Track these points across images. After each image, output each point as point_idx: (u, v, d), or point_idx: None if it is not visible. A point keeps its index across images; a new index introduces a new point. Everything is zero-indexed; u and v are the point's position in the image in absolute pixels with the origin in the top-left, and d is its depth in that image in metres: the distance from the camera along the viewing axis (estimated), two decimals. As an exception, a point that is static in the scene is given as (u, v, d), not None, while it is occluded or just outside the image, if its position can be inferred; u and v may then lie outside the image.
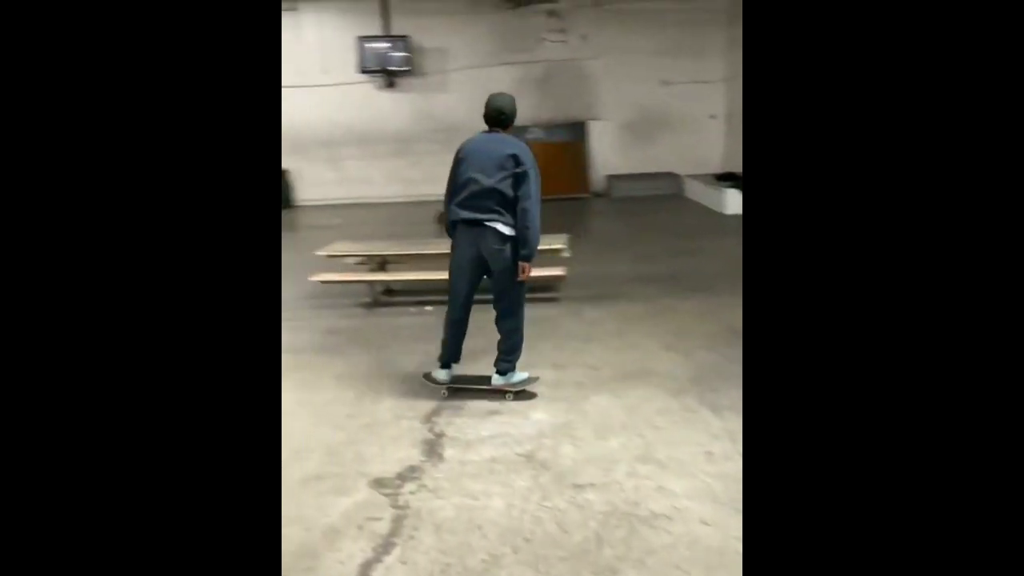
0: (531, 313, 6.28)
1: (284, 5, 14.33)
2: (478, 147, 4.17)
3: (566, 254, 6.76)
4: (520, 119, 14.32)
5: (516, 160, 4.09)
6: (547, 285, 6.97)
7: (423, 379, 4.75)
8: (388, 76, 14.60)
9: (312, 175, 15.00)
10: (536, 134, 14.51)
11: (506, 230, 4.11)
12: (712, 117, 14.45)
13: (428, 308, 6.64)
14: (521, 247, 4.12)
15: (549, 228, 8.95)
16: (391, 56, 14.42)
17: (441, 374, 4.62)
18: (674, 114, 14.58)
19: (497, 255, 4.15)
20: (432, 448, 3.98)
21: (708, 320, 5.85)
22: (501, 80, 14.72)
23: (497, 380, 4.51)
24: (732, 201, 10.70)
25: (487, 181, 4.06)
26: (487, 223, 4.09)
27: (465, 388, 4.69)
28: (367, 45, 14.35)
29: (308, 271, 7.07)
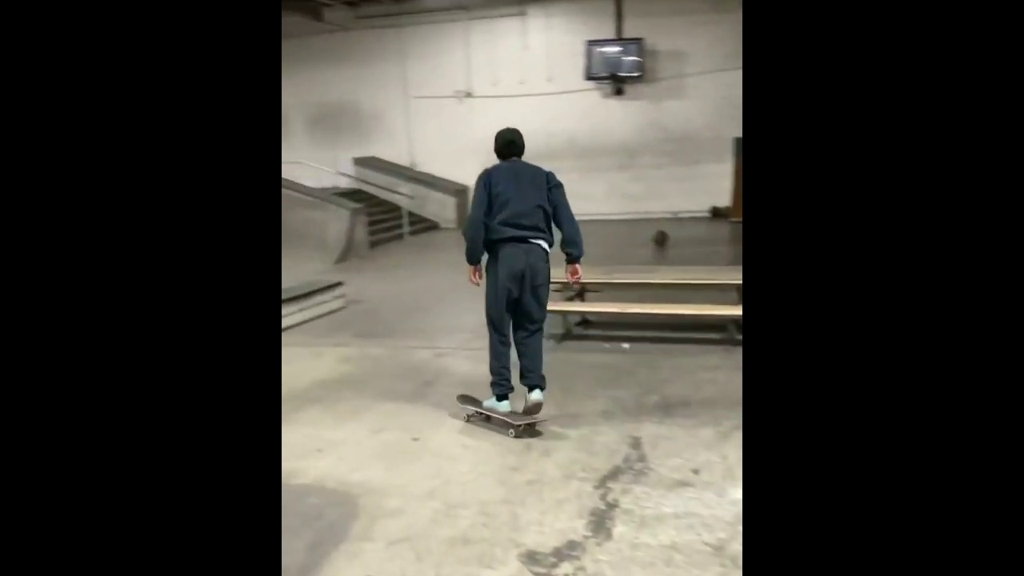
0: (693, 361, 5.53)
1: (512, 10, 14.58)
2: (511, 173, 4.38)
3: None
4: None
5: (548, 178, 4.43)
6: (716, 323, 6.17)
7: (466, 407, 4.72)
8: (616, 82, 14.27)
9: (529, 188, 15.07)
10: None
11: (547, 247, 4.39)
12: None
13: (625, 346, 6.12)
14: (572, 248, 4.46)
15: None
16: (622, 61, 14.08)
17: (503, 406, 4.52)
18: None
19: (542, 270, 4.37)
20: (601, 521, 3.48)
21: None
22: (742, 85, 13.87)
23: (537, 396, 4.41)
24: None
25: (531, 201, 4.30)
26: (532, 240, 4.31)
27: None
28: (597, 49, 14.16)
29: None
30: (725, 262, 10.13)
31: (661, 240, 11.09)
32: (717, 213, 13.84)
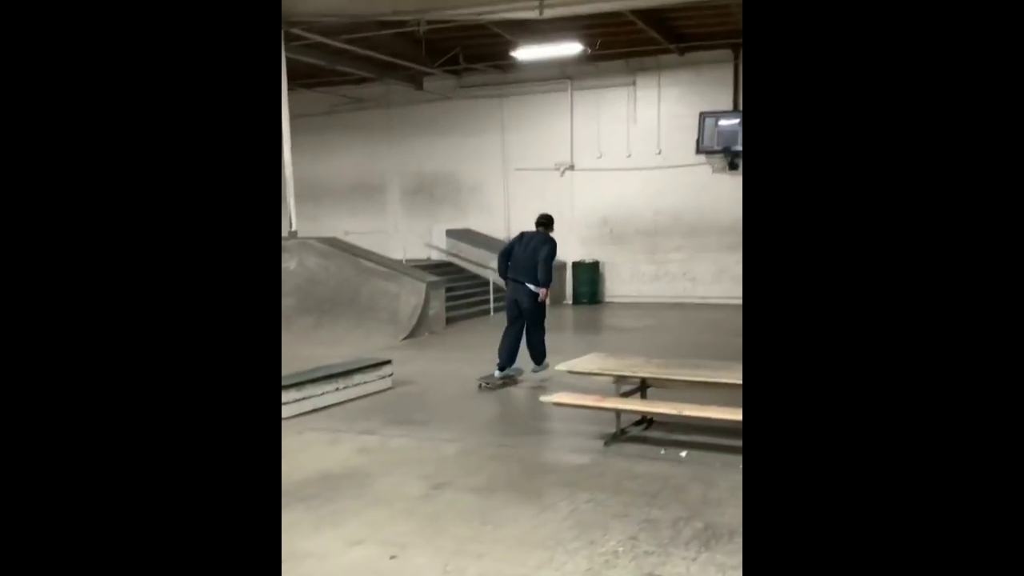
0: (674, 471, 4.74)
1: (621, 80, 14.32)
2: (525, 240, 7.87)
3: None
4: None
5: (539, 243, 7.70)
6: (730, 428, 5.26)
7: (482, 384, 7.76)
8: (730, 156, 13.64)
9: (628, 268, 14.42)
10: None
11: (531, 286, 7.60)
12: None
13: (683, 453, 5.35)
14: (538, 279, 7.60)
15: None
16: (737, 134, 13.49)
17: (496, 374, 7.77)
18: None
19: (526, 299, 7.68)
20: None
21: None
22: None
23: (535, 368, 7.85)
24: None
25: (524, 259, 7.68)
26: (520, 281, 7.68)
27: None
28: (711, 121, 13.63)
29: (557, 386, 6.29)
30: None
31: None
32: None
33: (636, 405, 5.82)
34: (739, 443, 5.43)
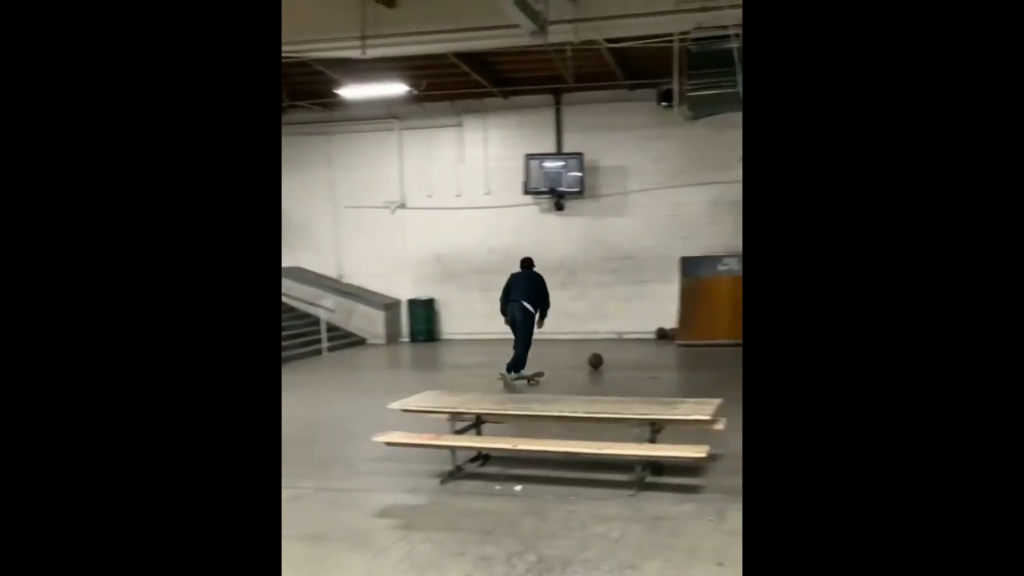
0: (658, 508, 4.98)
1: (448, 121, 14.53)
2: (519, 277, 10.27)
3: (719, 427, 5.37)
4: (712, 247, 13.47)
5: (535, 279, 10.20)
6: (686, 467, 5.56)
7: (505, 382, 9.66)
8: (557, 197, 14.13)
9: (463, 305, 14.56)
10: (730, 266, 13.22)
11: (528, 306, 9.97)
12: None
13: (517, 488, 5.44)
14: (538, 310, 10.09)
15: (712, 389, 7.53)
16: (562, 175, 13.98)
17: (510, 376, 9.79)
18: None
19: (520, 314, 9.98)
20: None
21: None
22: (690, 203, 13.70)
23: (508, 376, 9.82)
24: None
25: (522, 289, 10.05)
26: (520, 301, 9.98)
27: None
28: (536, 163, 14.06)
29: (393, 424, 6.21)
30: (663, 390, 9.60)
31: (596, 363, 10.58)
32: (663, 335, 13.42)
33: (471, 442, 5.87)
34: (573, 474, 5.60)
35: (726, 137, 13.19)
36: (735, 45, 9.46)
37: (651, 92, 13.18)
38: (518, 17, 8.39)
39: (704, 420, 5.12)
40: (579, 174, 13.89)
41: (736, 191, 13.38)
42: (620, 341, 13.36)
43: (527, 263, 10.31)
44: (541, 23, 8.86)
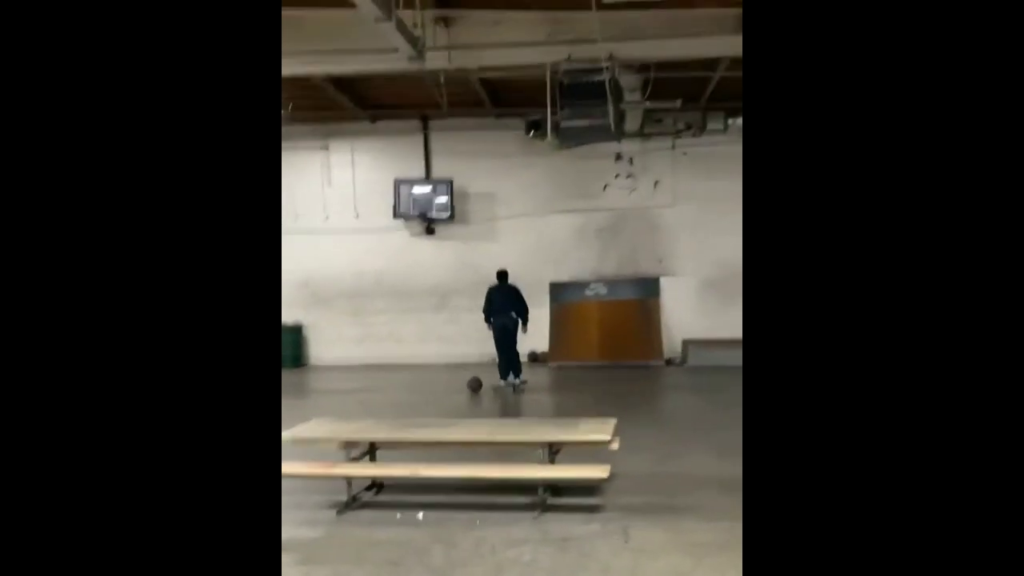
0: (563, 529, 5.04)
1: (313, 143, 14.25)
2: (499, 291, 11.36)
3: (614, 446, 5.52)
4: (579, 273, 13.86)
5: (515, 297, 11.22)
6: (583, 488, 5.68)
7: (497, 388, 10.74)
8: (427, 222, 14.12)
9: (332, 330, 14.25)
10: (597, 290, 13.61)
11: (514, 315, 11.18)
12: (811, 276, 13.37)
13: (420, 515, 5.37)
14: (520, 319, 11.28)
15: (594, 409, 7.68)
16: (432, 201, 14.00)
17: (502, 382, 11.11)
18: (764, 271, 13.55)
19: (511, 322, 11.17)
20: None
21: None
22: (558, 229, 14.04)
23: (511, 379, 11.09)
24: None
25: (505, 301, 11.20)
26: (508, 311, 11.17)
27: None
28: (405, 188, 14.00)
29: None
30: (546, 411, 9.76)
31: (476, 387, 10.62)
32: (535, 358, 13.61)
33: (370, 470, 5.75)
34: (475, 498, 5.58)
35: (590, 166, 13.67)
36: (606, 78, 9.83)
37: (518, 121, 13.43)
38: (398, 41, 8.39)
39: (605, 440, 5.24)
40: (448, 199, 13.94)
41: (600, 219, 13.87)
42: (493, 364, 13.42)
43: (503, 275, 11.36)
44: (419, 48, 8.91)
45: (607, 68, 9.78)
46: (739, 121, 12.99)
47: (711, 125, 13.23)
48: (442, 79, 10.92)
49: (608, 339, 13.12)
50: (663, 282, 13.58)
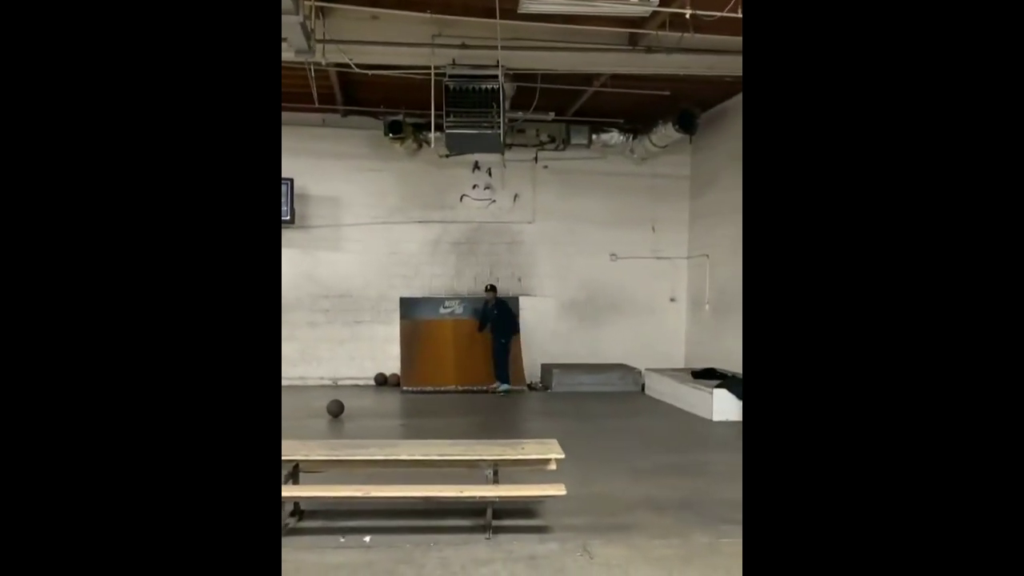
0: (524, 548, 5.57)
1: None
2: (495, 304, 13.46)
3: (552, 467, 6.16)
4: (433, 289, 14.33)
5: (507, 309, 13.54)
6: (523, 508, 6.28)
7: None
8: (265, 225, 14.11)
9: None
10: (453, 308, 14.18)
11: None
12: (672, 300, 14.67)
13: (367, 539, 5.73)
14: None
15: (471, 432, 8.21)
16: (271, 201, 14.00)
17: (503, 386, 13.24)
18: (626, 294, 14.70)
19: (507, 340, 13.39)
20: None
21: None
22: (410, 240, 14.49)
23: (501, 386, 13.16)
24: (721, 405, 10.50)
25: (503, 319, 13.42)
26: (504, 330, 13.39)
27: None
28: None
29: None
30: (422, 435, 10.14)
31: (336, 411, 10.82)
32: (383, 380, 13.94)
33: (320, 491, 6.03)
34: (417, 522, 6.01)
35: (446, 175, 14.26)
36: (494, 86, 10.50)
37: (372, 121, 13.79)
38: (293, 34, 8.62)
39: (548, 458, 5.89)
40: (288, 201, 14.01)
41: (456, 231, 14.49)
42: (335, 388, 13.62)
43: (493, 289, 13.64)
44: (311, 43, 9.18)
45: (497, 76, 10.43)
46: (604, 137, 14.10)
47: (575, 139, 14.25)
48: (312, 72, 11.14)
49: (465, 362, 13.64)
50: (523, 302, 14.36)
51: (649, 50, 10.59)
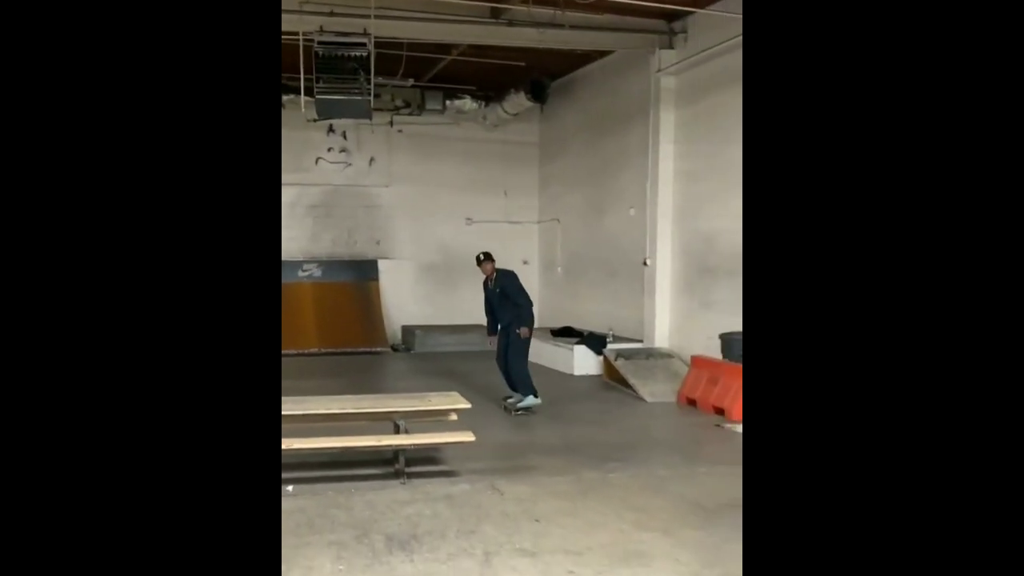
0: (439, 490, 6.11)
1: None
2: (488, 287, 9.53)
3: (453, 417, 6.71)
4: (290, 252, 14.34)
5: (505, 289, 9.28)
6: (428, 457, 6.81)
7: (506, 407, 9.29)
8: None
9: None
10: (312, 272, 14.36)
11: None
12: (525, 263, 15.40)
13: (289, 488, 6.11)
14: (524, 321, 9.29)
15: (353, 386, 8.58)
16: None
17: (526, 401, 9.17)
18: (482, 257, 15.31)
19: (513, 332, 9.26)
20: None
21: (658, 495, 6.04)
22: (266, 203, 14.52)
23: (522, 401, 9.19)
24: (581, 361, 11.35)
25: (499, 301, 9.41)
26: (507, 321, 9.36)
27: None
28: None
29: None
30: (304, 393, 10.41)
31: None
32: (242, 345, 13.94)
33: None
34: (322, 472, 6.42)
35: (300, 137, 14.31)
36: (363, 53, 10.75)
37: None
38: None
39: (463, 408, 6.46)
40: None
41: (313, 194, 14.62)
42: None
43: (488, 257, 9.55)
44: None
45: (366, 44, 10.69)
46: (457, 103, 14.59)
47: (430, 105, 14.67)
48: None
49: (327, 325, 13.88)
50: (382, 265, 14.71)
51: (511, 23, 11.14)
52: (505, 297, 9.19)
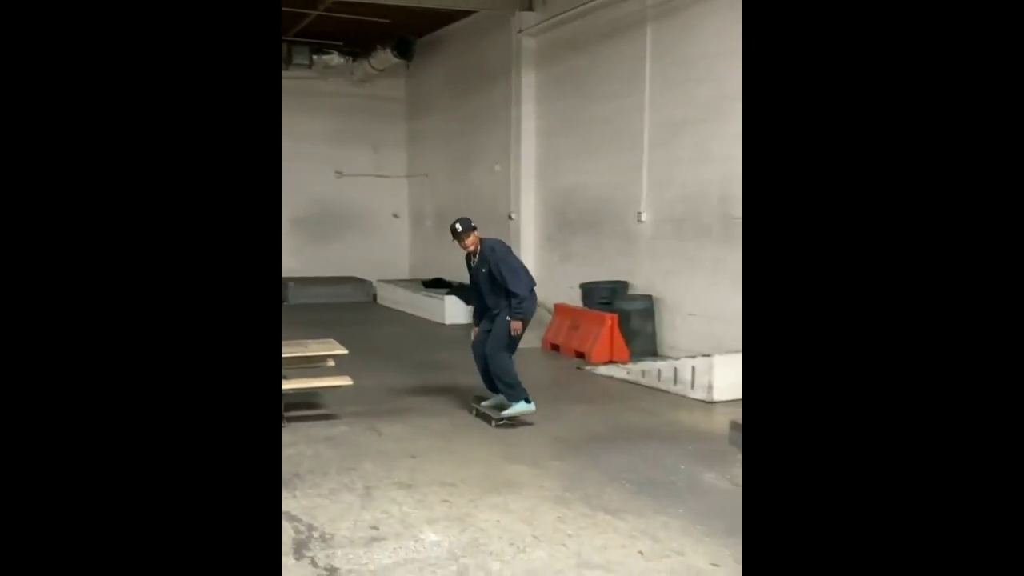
0: (319, 432, 6.44)
1: None
2: (473, 264, 7.17)
3: (331, 364, 6.98)
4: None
5: (492, 267, 6.90)
6: (306, 402, 7.09)
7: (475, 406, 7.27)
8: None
9: None
10: (180, 228, 14.16)
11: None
12: (395, 216, 15.63)
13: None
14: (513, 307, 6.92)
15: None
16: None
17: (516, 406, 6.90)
18: (353, 211, 15.45)
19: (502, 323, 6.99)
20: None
21: (526, 432, 6.54)
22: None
23: (510, 407, 6.92)
24: (452, 310, 11.75)
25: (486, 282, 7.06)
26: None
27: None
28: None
29: None
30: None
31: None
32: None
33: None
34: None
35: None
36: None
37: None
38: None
39: (342, 354, 6.77)
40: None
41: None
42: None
43: (468, 227, 7.16)
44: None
45: None
46: (325, 58, 14.60)
47: (297, 59, 14.63)
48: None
49: (197, 279, 13.75)
50: (252, 219, 14.63)
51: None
52: (494, 278, 6.84)
